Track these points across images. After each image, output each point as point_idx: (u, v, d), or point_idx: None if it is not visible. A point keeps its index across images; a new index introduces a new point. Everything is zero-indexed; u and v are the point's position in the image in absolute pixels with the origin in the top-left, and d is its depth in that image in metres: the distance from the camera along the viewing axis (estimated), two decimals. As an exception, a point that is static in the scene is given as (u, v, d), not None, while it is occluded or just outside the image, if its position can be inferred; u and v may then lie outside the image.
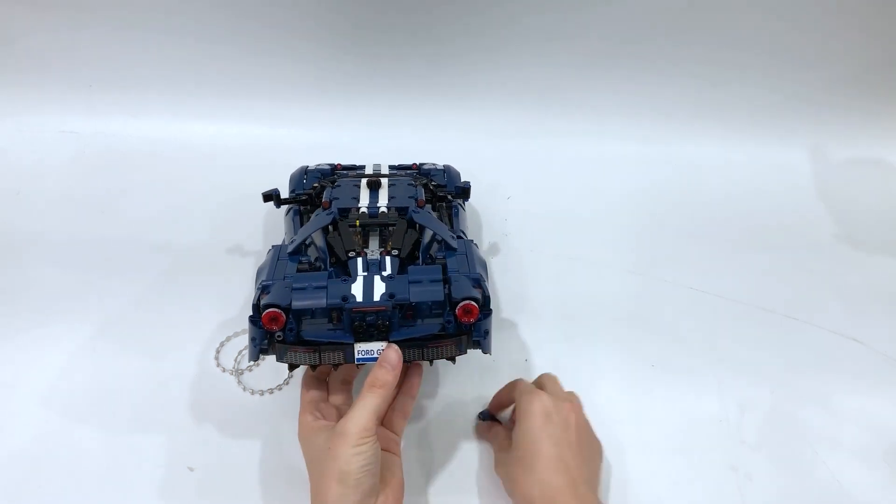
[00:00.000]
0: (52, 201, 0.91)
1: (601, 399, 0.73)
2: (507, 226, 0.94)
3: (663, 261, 0.90)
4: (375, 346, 0.55)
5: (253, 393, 0.70)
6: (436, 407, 0.71)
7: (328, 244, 0.62)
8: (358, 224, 0.64)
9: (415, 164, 0.88)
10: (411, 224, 0.66)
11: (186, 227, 0.89)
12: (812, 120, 1.08)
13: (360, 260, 0.60)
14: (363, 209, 0.67)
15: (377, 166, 0.84)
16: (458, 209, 0.80)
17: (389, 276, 0.57)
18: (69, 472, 0.64)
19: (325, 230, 0.64)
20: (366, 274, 0.58)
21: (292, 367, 0.58)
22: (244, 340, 0.75)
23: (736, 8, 0.98)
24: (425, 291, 0.56)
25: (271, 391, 0.70)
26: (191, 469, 0.64)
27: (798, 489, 0.67)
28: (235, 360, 0.73)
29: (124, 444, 0.66)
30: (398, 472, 0.57)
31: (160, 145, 1.00)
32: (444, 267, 0.60)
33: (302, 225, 0.73)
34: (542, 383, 0.63)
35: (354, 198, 0.69)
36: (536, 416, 0.57)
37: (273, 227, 0.90)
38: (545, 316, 0.81)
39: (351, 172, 0.81)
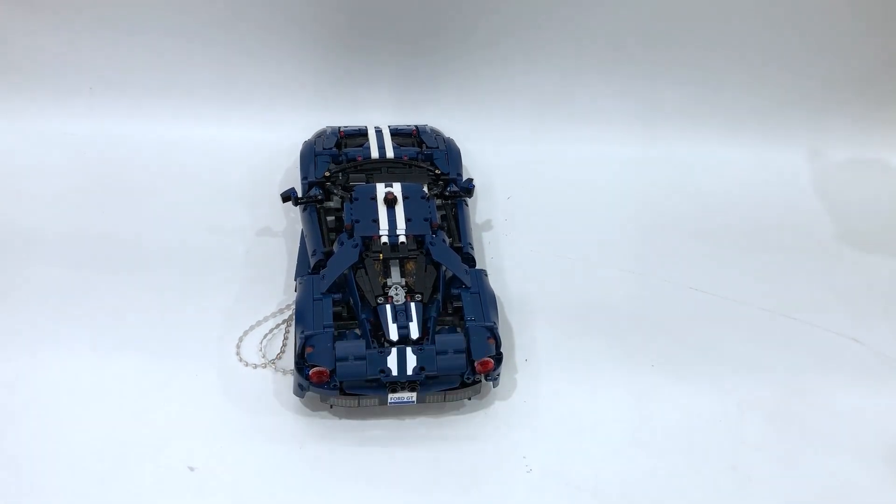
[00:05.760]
0: (53, 202, 0.91)
1: (601, 399, 0.73)
2: (508, 226, 0.94)
3: (663, 261, 0.90)
4: (405, 395, 0.66)
5: (285, 373, 0.72)
6: (432, 408, 0.71)
7: (357, 284, 0.70)
8: (381, 257, 0.72)
9: (415, 129, 0.94)
10: (428, 255, 0.73)
11: (187, 228, 0.89)
12: (811, 120, 1.08)
13: (388, 308, 0.68)
14: (384, 238, 0.73)
15: (378, 129, 0.92)
16: (462, 206, 0.84)
17: (419, 348, 0.66)
18: (69, 471, 0.64)
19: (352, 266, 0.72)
20: (397, 340, 0.67)
21: (333, 406, 0.69)
22: (259, 334, 0.77)
23: (735, 9, 0.98)
24: (451, 363, 0.66)
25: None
26: (191, 469, 0.64)
27: (798, 489, 0.67)
28: (261, 348, 0.75)
29: (124, 443, 0.66)
30: None
31: (161, 147, 1.00)
32: (466, 330, 0.68)
33: (319, 221, 0.79)
34: None
35: (374, 220, 0.75)
36: None
37: (274, 226, 0.90)
38: (544, 315, 0.81)
39: (360, 165, 0.86)
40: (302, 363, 0.66)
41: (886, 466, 0.69)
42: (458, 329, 0.69)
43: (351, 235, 0.74)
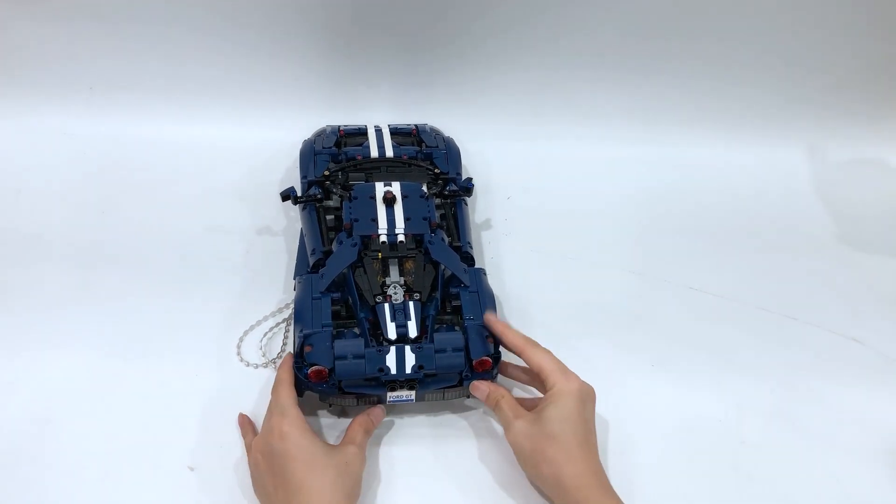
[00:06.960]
0: (53, 201, 0.92)
1: (600, 399, 0.73)
2: (507, 226, 0.94)
3: (663, 261, 0.90)
4: (404, 394, 0.66)
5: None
6: (431, 406, 0.71)
7: (356, 283, 0.70)
8: (380, 256, 0.72)
9: (414, 129, 0.94)
10: (427, 255, 0.73)
11: (187, 227, 0.89)
12: (812, 121, 1.08)
13: (387, 307, 0.68)
14: (383, 237, 0.73)
15: (378, 128, 0.92)
16: (461, 205, 0.84)
17: (418, 347, 0.66)
18: (69, 471, 0.64)
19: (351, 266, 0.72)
20: (395, 339, 0.67)
21: (332, 405, 0.69)
22: (259, 333, 0.77)
23: (736, 10, 0.98)
24: (449, 361, 0.66)
25: None
26: (191, 469, 0.64)
27: (798, 489, 0.67)
28: (262, 348, 0.75)
29: (124, 443, 0.66)
30: None
31: (161, 147, 1.00)
32: (464, 329, 0.68)
33: (318, 220, 0.79)
34: (554, 362, 0.65)
35: (373, 219, 0.75)
36: (575, 398, 0.62)
37: (274, 225, 0.90)
38: (544, 315, 0.81)
39: (360, 164, 0.86)
40: (301, 362, 0.66)
41: (886, 466, 0.69)
42: (457, 328, 0.69)
43: (350, 234, 0.74)
